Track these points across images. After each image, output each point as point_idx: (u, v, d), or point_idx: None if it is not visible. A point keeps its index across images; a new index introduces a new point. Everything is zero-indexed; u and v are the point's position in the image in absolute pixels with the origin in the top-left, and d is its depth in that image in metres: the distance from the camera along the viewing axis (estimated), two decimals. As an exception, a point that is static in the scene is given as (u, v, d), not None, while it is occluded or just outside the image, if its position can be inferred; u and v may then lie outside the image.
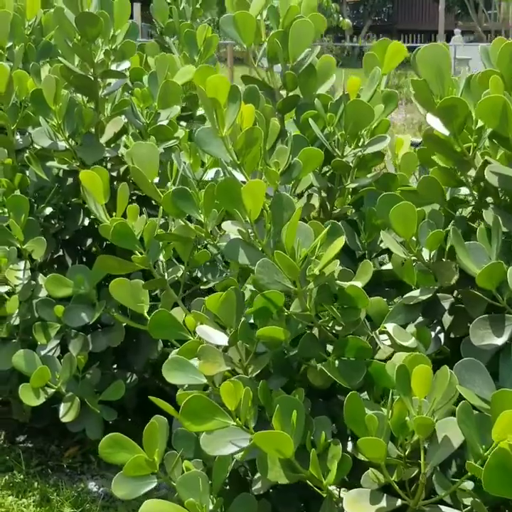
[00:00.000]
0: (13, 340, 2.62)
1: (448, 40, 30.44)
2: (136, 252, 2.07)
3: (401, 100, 16.80)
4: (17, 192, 2.68)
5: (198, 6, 3.05)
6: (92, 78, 2.54)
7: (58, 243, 2.77)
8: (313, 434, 1.72)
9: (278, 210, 1.81)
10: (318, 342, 1.83)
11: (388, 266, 2.06)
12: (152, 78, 2.56)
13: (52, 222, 2.82)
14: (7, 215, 2.67)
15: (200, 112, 2.92)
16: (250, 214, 1.76)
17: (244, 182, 1.81)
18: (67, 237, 2.77)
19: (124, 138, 2.73)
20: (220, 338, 1.77)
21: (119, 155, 2.66)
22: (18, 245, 2.57)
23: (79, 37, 2.54)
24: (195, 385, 1.85)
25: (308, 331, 1.83)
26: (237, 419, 1.62)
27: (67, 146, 2.56)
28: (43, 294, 2.62)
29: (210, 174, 2.49)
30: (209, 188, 1.96)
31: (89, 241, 2.83)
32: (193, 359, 1.82)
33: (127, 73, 2.68)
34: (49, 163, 2.61)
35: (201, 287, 2.29)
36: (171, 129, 2.58)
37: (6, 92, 2.70)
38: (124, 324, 2.49)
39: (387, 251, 2.10)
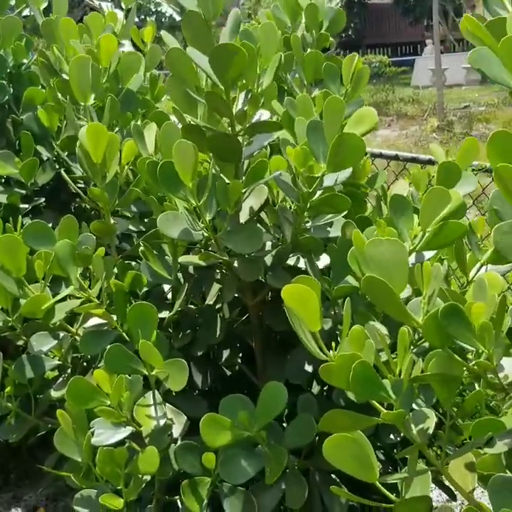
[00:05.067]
0: (149, 506, 1.88)
1: (419, 51, 30.25)
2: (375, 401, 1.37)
3: (391, 117, 16.30)
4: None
5: (323, 30, 2.31)
6: (235, 136, 1.83)
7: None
8: None
9: None
10: None
11: None
12: (314, 129, 1.80)
13: (170, 331, 2.09)
14: (117, 328, 1.96)
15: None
16: None
17: None
18: (199, 354, 2.03)
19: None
20: None
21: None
22: (145, 371, 1.83)
23: (207, 82, 1.86)
24: None
25: None
26: None
27: (207, 234, 1.83)
28: (176, 432, 1.89)
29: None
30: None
31: (226, 353, 2.09)
32: None
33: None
34: (183, 259, 1.87)
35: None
36: (347, 199, 1.86)
37: (103, 162, 1.98)
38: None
39: None
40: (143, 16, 30.51)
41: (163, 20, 30.56)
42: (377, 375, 1.35)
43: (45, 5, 2.64)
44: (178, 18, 31.17)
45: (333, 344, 1.42)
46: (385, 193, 2.15)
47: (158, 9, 31.74)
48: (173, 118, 2.34)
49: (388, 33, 33.94)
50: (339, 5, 2.32)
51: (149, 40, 2.82)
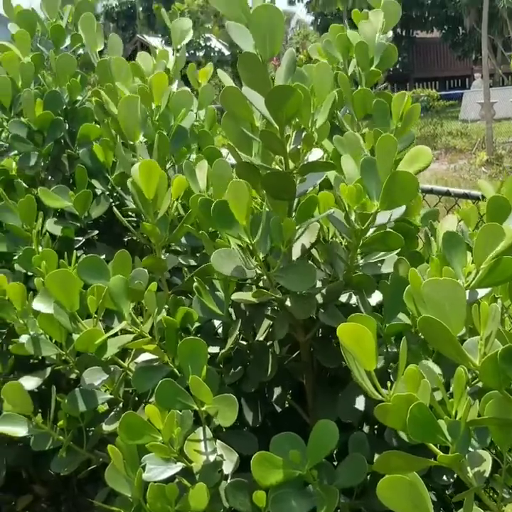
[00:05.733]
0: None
1: (467, 85, 30.15)
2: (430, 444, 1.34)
3: (440, 150, 16.22)
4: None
5: (374, 67, 2.30)
6: (290, 175, 1.84)
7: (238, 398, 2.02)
8: None
9: None
10: None
11: None
12: (367, 167, 1.80)
13: (221, 367, 2.09)
14: (169, 363, 1.97)
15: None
16: None
17: None
18: (252, 390, 2.02)
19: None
20: None
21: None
22: (196, 407, 1.83)
23: (258, 120, 1.88)
24: None
25: None
26: None
27: (260, 272, 1.84)
28: (227, 468, 1.88)
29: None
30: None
31: (276, 390, 2.08)
32: None
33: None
34: (236, 296, 1.87)
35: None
36: (400, 237, 1.85)
37: (155, 198, 2.00)
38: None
39: None
40: (192, 51, 30.96)
41: (212, 54, 30.96)
42: (434, 417, 1.33)
43: (101, 47, 2.69)
44: (226, 52, 31.59)
45: (388, 383, 1.40)
46: (434, 229, 2.13)
47: (208, 44, 32.17)
48: (224, 152, 2.37)
49: (436, 66, 33.95)
50: (390, 40, 2.32)
51: (204, 81, 2.86)
